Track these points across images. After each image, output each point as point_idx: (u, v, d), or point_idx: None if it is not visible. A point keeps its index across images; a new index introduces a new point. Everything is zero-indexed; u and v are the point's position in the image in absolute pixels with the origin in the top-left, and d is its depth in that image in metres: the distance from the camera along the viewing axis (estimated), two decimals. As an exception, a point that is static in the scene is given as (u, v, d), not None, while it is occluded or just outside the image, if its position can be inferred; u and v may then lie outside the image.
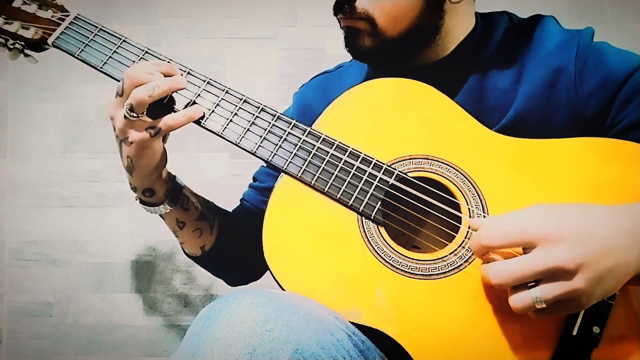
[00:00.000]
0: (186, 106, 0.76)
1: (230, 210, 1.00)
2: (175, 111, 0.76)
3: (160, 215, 0.86)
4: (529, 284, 0.59)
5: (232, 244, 0.95)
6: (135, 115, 0.72)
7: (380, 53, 0.81)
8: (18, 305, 1.56)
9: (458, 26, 0.83)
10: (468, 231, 0.70)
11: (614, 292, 0.60)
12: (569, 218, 0.60)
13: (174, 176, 0.86)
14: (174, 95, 0.77)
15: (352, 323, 0.67)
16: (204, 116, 0.76)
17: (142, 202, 0.84)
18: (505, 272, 0.59)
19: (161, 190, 0.82)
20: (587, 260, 0.56)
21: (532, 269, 0.57)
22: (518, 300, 0.59)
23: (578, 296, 0.57)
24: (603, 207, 0.62)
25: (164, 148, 0.80)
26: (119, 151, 0.78)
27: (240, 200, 1.02)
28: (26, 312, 1.56)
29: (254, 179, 1.03)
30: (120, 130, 0.74)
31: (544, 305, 0.58)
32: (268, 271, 0.71)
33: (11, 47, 0.82)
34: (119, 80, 0.76)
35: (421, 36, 0.80)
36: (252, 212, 0.98)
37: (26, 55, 0.84)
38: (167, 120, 0.73)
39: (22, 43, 0.82)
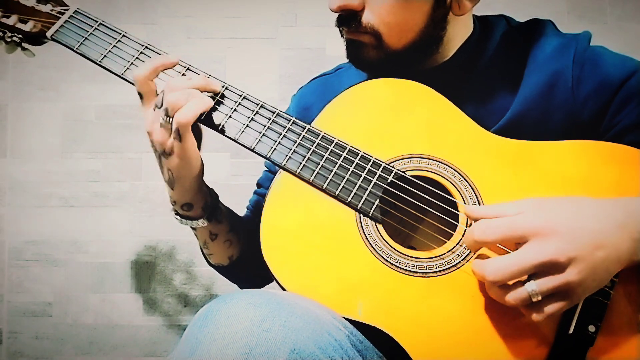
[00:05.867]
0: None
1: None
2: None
3: (191, 227, 0.85)
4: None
5: (256, 251, 0.95)
6: (169, 118, 0.71)
7: (383, 64, 0.81)
8: (18, 305, 1.56)
9: (458, 33, 0.83)
10: (465, 229, 0.70)
11: (605, 283, 0.61)
12: (561, 211, 0.60)
13: (213, 191, 0.87)
14: None
15: (350, 321, 0.67)
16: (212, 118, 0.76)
17: (177, 214, 0.84)
18: (501, 268, 0.60)
19: (199, 204, 0.83)
20: (580, 253, 0.57)
21: (527, 264, 0.58)
22: (513, 294, 0.60)
23: (572, 288, 0.58)
24: (594, 200, 0.62)
25: (201, 159, 0.80)
26: (160, 167, 0.78)
27: (247, 207, 1.02)
28: (26, 312, 1.56)
29: (258, 185, 1.04)
30: (159, 143, 0.74)
31: (539, 298, 0.58)
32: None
33: (8, 40, 0.81)
34: (117, 75, 0.77)
35: (424, 47, 0.80)
36: (259, 218, 0.98)
37: (24, 48, 0.83)
38: (177, 118, 0.71)
39: (20, 36, 0.81)
